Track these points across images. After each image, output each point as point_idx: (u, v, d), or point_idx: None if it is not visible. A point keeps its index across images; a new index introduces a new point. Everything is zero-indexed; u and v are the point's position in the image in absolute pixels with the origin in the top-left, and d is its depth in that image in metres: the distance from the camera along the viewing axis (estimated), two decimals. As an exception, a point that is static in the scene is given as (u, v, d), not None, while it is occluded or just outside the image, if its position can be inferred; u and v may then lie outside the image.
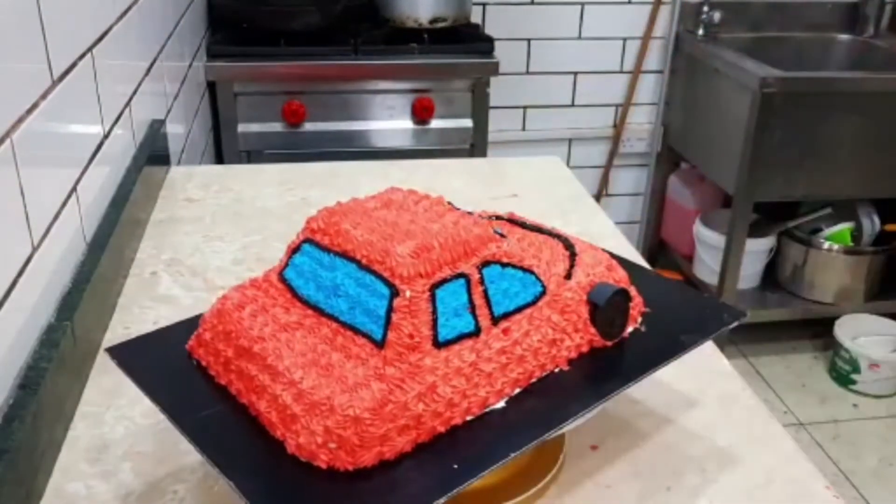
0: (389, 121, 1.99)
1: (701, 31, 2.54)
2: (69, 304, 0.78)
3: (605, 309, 0.64)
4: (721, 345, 0.82)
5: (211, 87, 1.92)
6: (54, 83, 0.81)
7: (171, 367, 0.63)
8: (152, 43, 1.33)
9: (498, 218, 0.75)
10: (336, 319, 0.58)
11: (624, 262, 0.74)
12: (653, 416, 0.75)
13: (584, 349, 0.64)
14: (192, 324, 0.65)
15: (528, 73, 2.59)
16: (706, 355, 0.84)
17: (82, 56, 0.91)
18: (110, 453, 0.68)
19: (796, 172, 2.24)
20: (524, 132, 2.66)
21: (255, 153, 1.96)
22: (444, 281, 0.56)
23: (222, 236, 1.08)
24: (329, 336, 0.57)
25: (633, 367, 0.63)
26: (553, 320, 0.62)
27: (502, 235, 0.62)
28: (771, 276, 2.59)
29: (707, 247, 2.54)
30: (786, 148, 2.19)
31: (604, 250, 0.72)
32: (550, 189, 1.28)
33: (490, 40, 2.05)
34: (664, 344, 0.65)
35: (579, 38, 2.57)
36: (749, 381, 0.80)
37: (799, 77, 2.21)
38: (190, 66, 1.72)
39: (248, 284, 0.64)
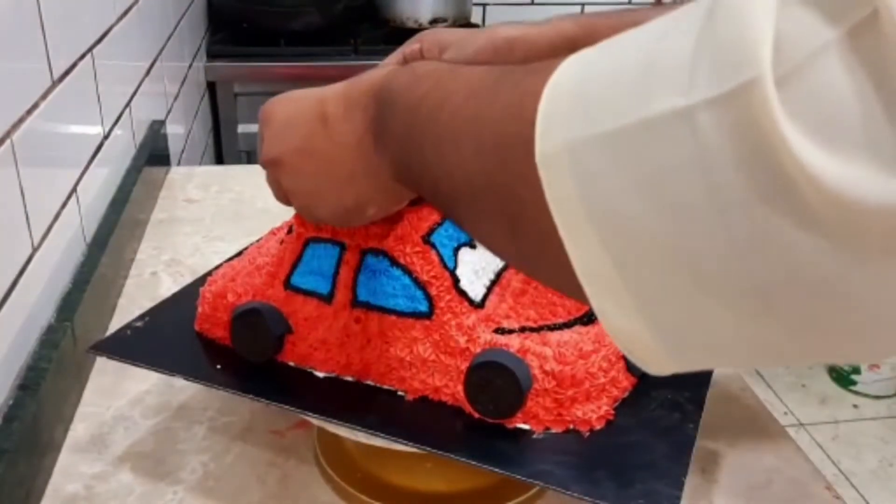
0: (389, 121, 1.99)
1: (701, 32, 2.54)
2: (69, 304, 0.77)
3: (475, 376, 0.56)
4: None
5: (211, 87, 1.92)
6: (54, 83, 0.81)
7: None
8: (152, 43, 1.33)
9: None
10: None
11: None
12: (653, 417, 0.75)
13: (460, 398, 0.57)
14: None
15: (528, 73, 2.59)
16: (706, 355, 0.83)
17: (82, 56, 0.91)
18: (110, 454, 0.68)
19: (796, 173, 2.23)
20: (524, 132, 2.65)
21: (256, 153, 1.96)
22: (320, 239, 0.60)
23: (222, 237, 1.08)
24: None
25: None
26: (418, 349, 0.57)
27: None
28: (771, 276, 2.59)
29: (707, 247, 2.54)
30: (786, 148, 2.19)
31: None
32: (550, 189, 1.28)
33: (490, 40, 2.05)
34: None
35: (579, 38, 2.57)
36: (749, 381, 0.80)
37: (799, 77, 2.21)
38: (190, 66, 1.72)
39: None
